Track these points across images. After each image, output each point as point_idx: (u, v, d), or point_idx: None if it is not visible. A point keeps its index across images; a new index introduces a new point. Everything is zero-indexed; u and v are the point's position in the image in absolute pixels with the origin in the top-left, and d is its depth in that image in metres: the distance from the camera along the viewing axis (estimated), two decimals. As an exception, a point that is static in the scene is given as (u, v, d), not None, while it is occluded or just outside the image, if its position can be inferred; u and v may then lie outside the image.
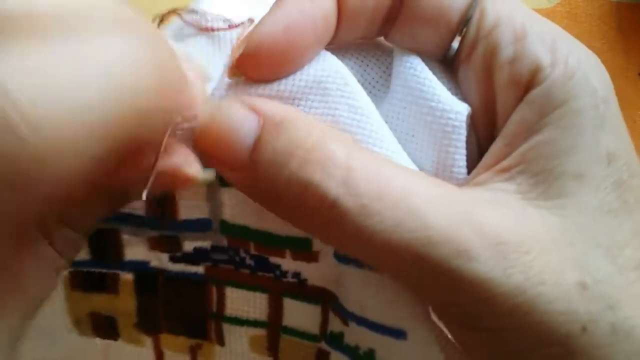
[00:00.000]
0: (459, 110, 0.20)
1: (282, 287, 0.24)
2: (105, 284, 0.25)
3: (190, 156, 0.18)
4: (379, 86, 0.22)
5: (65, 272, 0.24)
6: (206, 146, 0.18)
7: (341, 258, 0.22)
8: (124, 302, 0.25)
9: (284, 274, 0.23)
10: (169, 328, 0.26)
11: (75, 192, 0.15)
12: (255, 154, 0.18)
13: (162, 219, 0.22)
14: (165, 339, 0.26)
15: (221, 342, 0.26)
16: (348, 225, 0.17)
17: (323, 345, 0.25)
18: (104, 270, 0.24)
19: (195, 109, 0.18)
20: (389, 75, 0.22)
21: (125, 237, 0.23)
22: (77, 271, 0.24)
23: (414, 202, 0.17)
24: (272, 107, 0.18)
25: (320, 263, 0.22)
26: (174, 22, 0.23)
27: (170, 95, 0.17)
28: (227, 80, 0.20)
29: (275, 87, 0.20)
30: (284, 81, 0.20)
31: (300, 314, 0.24)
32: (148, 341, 0.26)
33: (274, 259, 0.23)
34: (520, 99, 0.19)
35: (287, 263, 0.23)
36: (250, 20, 0.22)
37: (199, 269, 0.24)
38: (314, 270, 0.23)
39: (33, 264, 0.16)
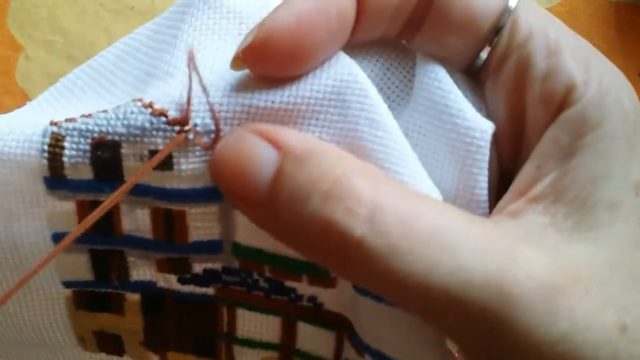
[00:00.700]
0: (484, 128, 0.19)
1: (296, 311, 0.23)
2: (110, 304, 0.24)
3: None
4: (398, 91, 0.21)
5: (68, 292, 0.23)
6: (220, 179, 0.17)
7: (360, 290, 0.21)
8: (130, 322, 0.24)
9: (300, 297, 0.22)
10: (176, 346, 0.25)
11: None
12: (274, 189, 0.17)
13: (170, 242, 0.21)
14: (173, 356, 0.25)
15: None
16: (376, 266, 0.16)
17: None
18: (109, 290, 0.23)
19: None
20: (410, 80, 0.21)
21: (131, 259, 0.22)
22: (81, 291, 0.23)
23: (449, 240, 0.16)
24: (292, 138, 0.17)
25: (338, 289, 0.22)
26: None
27: None
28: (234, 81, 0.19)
29: (289, 96, 0.18)
30: (299, 89, 0.18)
31: (314, 339, 0.23)
32: (155, 358, 0.25)
33: (289, 283, 0.22)
34: (552, 118, 0.18)
35: (304, 287, 0.22)
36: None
37: (209, 290, 0.23)
38: (331, 295, 0.22)
39: None
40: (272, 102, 0.18)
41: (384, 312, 0.20)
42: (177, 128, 0.18)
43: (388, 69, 0.21)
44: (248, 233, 0.21)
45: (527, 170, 0.19)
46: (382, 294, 0.18)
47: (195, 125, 0.18)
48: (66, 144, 0.19)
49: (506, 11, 0.19)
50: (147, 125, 0.18)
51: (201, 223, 0.21)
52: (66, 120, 0.19)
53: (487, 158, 0.19)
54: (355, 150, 0.18)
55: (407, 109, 0.21)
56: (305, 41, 0.18)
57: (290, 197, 0.16)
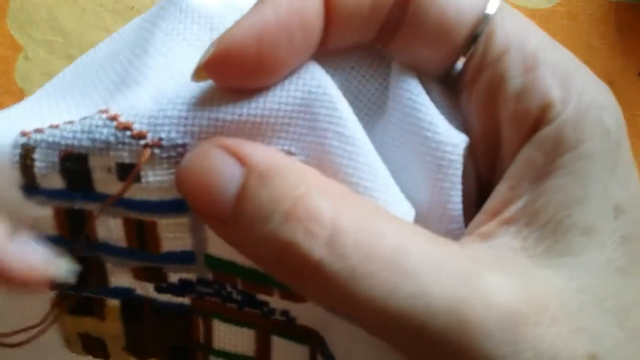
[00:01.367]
0: (456, 142, 0.18)
1: (270, 325, 0.23)
2: (91, 309, 0.24)
3: (46, 254, 0.17)
4: (375, 99, 0.20)
5: (52, 295, 0.23)
6: (186, 194, 0.17)
7: None
8: (110, 327, 0.24)
9: (272, 311, 0.22)
10: (155, 354, 0.25)
11: None
12: (238, 206, 0.16)
13: (144, 251, 0.21)
14: None
15: None
16: (335, 289, 0.15)
17: None
18: (90, 295, 0.23)
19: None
20: (386, 88, 0.20)
21: (109, 265, 0.22)
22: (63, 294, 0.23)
23: (409, 262, 0.15)
24: (257, 154, 0.17)
25: (309, 303, 0.21)
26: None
27: None
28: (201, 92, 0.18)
29: (257, 108, 0.18)
30: (267, 102, 0.18)
31: (288, 353, 0.23)
32: None
33: (261, 296, 0.22)
34: (526, 137, 0.18)
35: (275, 301, 0.22)
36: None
37: (185, 300, 0.23)
38: (302, 309, 0.22)
39: None
40: (240, 114, 0.18)
41: (354, 329, 0.20)
42: (142, 142, 0.18)
43: (363, 76, 0.20)
44: (219, 245, 0.20)
45: (500, 191, 0.18)
46: (343, 316, 0.17)
47: (161, 139, 0.18)
48: (36, 156, 0.19)
49: (483, 20, 0.18)
50: (112, 139, 0.18)
51: (172, 234, 0.20)
52: (35, 130, 0.19)
53: (459, 172, 0.18)
54: (324, 164, 0.18)
55: (382, 120, 0.20)
56: (267, 57, 0.17)
57: (253, 216, 0.16)
